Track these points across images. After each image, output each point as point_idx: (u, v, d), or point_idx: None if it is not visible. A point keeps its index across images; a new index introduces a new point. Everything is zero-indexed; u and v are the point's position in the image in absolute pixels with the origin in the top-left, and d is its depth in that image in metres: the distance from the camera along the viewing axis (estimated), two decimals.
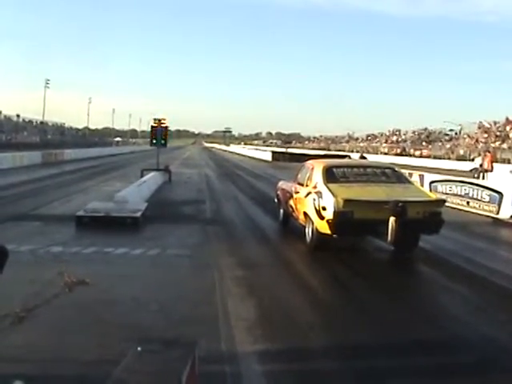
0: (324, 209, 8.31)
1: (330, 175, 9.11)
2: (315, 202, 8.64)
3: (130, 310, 6.06)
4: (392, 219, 7.63)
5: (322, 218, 8.32)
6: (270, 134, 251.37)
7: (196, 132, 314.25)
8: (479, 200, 16.66)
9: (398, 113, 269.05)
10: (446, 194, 18.76)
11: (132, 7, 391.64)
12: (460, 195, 17.84)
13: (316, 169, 9.59)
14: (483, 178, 24.99)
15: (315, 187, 8.99)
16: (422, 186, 20.27)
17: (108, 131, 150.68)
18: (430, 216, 8.14)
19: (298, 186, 10.29)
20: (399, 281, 7.91)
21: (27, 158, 36.78)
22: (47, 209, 14.69)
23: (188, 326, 5.59)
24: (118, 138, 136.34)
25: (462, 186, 17.98)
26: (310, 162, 10.50)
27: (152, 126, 24.91)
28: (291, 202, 10.52)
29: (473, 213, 16.49)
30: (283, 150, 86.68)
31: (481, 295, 7.18)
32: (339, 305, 6.57)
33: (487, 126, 63.15)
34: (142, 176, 22.58)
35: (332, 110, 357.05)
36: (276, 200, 12.89)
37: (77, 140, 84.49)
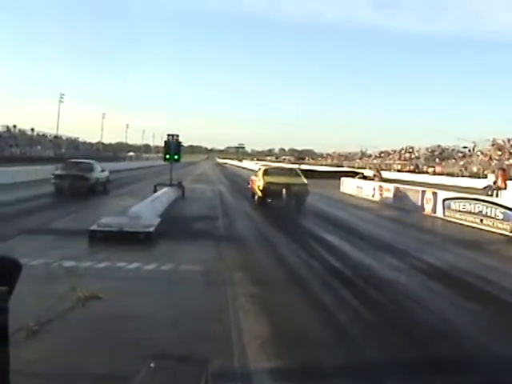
0: (259, 187, 18.87)
1: (265, 172, 20.27)
2: (258, 183, 19.38)
3: (143, 326, 6.03)
4: (284, 190, 17.90)
5: (259, 189, 19.08)
6: (283, 150, 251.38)
7: (209, 148, 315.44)
8: (493, 218, 16.60)
9: (411, 130, 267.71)
10: (460, 211, 18.69)
11: (146, 23, 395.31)
12: (474, 213, 17.78)
13: (261, 169, 21.32)
14: (497, 195, 24.80)
15: (259, 177, 19.50)
16: (436, 203, 20.42)
17: (121, 146, 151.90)
18: (302, 189, 18.44)
19: (254, 177, 21.41)
20: (410, 296, 7.86)
21: (41, 171, 36.88)
22: (60, 223, 14.75)
23: (201, 342, 5.56)
24: (132, 153, 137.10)
25: (475, 203, 17.88)
26: (260, 166, 20.71)
27: (165, 142, 25.02)
28: (252, 184, 21.29)
29: (486, 231, 16.40)
30: (296, 166, 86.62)
31: (494, 313, 7.15)
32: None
33: (501, 143, 62.85)
34: (155, 191, 22.65)
35: (345, 126, 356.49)
36: (248, 184, 24.08)
37: (90, 154, 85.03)
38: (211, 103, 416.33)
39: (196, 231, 14.16)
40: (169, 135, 24.88)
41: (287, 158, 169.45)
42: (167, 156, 24.80)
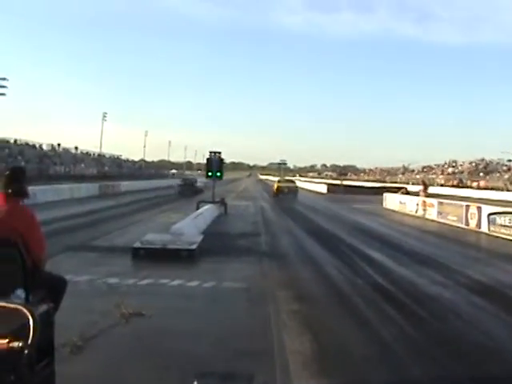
0: (274, 187, 42.75)
1: (277, 181, 45.37)
2: (274, 184, 44.04)
3: (186, 343, 5.98)
4: (285, 188, 41.48)
5: (274, 189, 42.08)
6: (325, 166, 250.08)
7: (251, 164, 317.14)
8: None
9: (454, 143, 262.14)
10: (505, 226, 18.13)
11: (187, 42, 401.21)
12: None
13: (276, 181, 48.03)
14: None
15: (275, 184, 44.03)
16: (480, 218, 19.92)
17: (163, 163, 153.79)
18: (294, 188, 42.63)
19: (273, 183, 47.87)
20: (455, 312, 7.65)
21: (85, 189, 37.61)
22: (104, 240, 14.94)
23: (244, 359, 5.48)
24: (174, 171, 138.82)
25: None
26: (273, 179, 67.23)
27: (207, 159, 25.27)
28: (272, 187, 44.71)
29: None
30: (338, 182, 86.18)
31: None
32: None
33: None
34: (197, 208, 22.82)
35: (387, 141, 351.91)
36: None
37: (133, 172, 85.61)
38: (253, 120, 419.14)
39: (238, 248, 14.13)
40: (211, 152, 25.11)
41: (329, 173, 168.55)
42: (209, 173, 25.04)
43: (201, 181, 47.10)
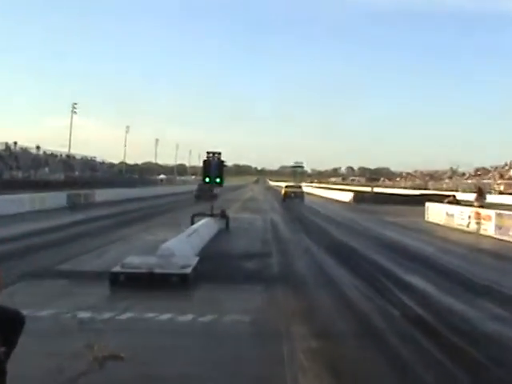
0: (282, 191, 61.94)
1: (285, 187, 62.53)
2: (282, 190, 63.35)
3: None
4: (292, 193, 56.78)
5: (283, 193, 58.98)
6: (352, 169, 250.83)
7: (259, 168, 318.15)
8: None
9: None
10: None
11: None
12: None
13: (284, 186, 66.79)
14: None
15: (283, 189, 62.00)
16: None
17: (150, 167, 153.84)
18: (301, 193, 56.93)
19: (279, 187, 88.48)
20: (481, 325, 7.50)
21: (50, 199, 37.50)
22: (74, 263, 14.93)
23: None
24: (163, 176, 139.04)
25: None
26: (278, 185, 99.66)
27: (205, 161, 25.35)
28: (280, 192, 63.27)
29: None
30: (368, 189, 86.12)
31: None
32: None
33: None
34: (192, 223, 22.94)
35: (430, 138, 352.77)
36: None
37: (111, 178, 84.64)
38: (261, 114, 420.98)
39: (243, 272, 14.13)
40: (209, 153, 25.18)
41: (356, 178, 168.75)
42: (207, 179, 25.09)
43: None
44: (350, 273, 14.24)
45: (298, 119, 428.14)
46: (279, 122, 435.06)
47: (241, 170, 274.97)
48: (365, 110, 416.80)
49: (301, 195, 56.96)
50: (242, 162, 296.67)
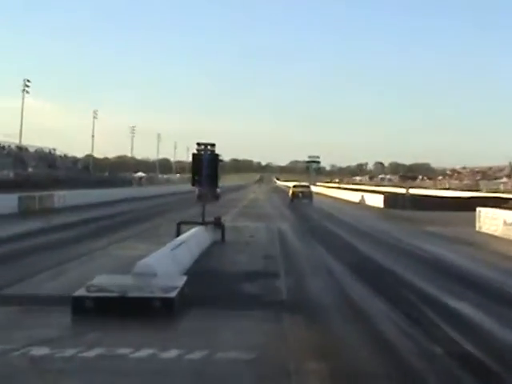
0: (289, 193, 72.00)
1: (292, 187, 75.23)
2: (289, 190, 76.56)
3: None
4: (300, 193, 68.59)
5: (291, 193, 70.76)
6: (381, 165, 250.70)
7: (263, 163, 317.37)
8: None
9: None
10: None
11: None
12: None
13: (291, 186, 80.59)
14: None
15: (290, 189, 75.07)
16: None
17: (124, 161, 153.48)
18: (309, 192, 69.19)
19: (288, 188, 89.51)
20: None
21: None
22: (28, 285, 14.91)
23: None
24: (141, 174, 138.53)
25: None
26: (287, 185, 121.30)
27: (194, 155, 25.45)
28: (289, 190, 78.74)
29: None
30: (403, 190, 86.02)
31: None
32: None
33: None
34: (178, 234, 23.15)
35: (482, 127, 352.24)
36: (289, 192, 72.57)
37: (75, 175, 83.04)
38: (265, 97, 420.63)
39: (243, 296, 14.17)
40: (199, 145, 25.27)
41: (387, 177, 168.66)
42: (196, 177, 25.13)
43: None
44: (379, 297, 14.23)
45: (312, 103, 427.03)
46: (289, 107, 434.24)
47: (240, 167, 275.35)
48: (396, 92, 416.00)
49: (309, 195, 68.68)
50: (241, 157, 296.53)
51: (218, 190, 60.04)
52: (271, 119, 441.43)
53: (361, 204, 67.82)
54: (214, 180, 25.28)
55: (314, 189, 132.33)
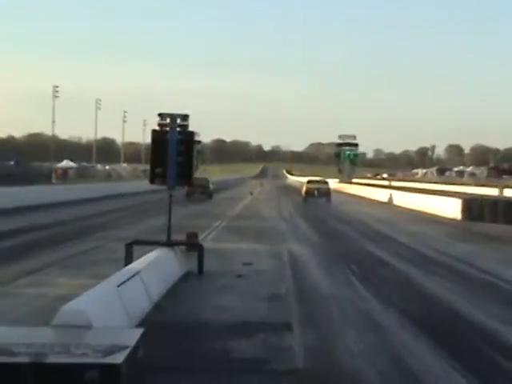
0: (303, 190, 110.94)
1: (307, 182, 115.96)
2: (303, 187, 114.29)
3: None
4: (316, 190, 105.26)
5: (304, 190, 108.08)
6: (458, 149, 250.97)
7: (266, 147, 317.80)
8: None
9: None
10: None
11: None
12: None
13: (306, 181, 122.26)
14: None
15: (304, 186, 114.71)
16: None
17: (43, 143, 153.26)
18: (326, 190, 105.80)
19: (302, 184, 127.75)
20: None
21: None
22: None
23: None
24: (68, 163, 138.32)
25: None
26: (302, 180, 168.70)
27: (154, 134, 25.66)
28: (301, 189, 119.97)
29: None
30: (493, 191, 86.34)
31: None
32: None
33: None
34: (129, 260, 23.40)
35: None
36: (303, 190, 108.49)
37: None
38: (271, 54, 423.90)
39: (233, 363, 14.21)
40: (163, 117, 25.34)
41: (468, 169, 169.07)
42: (158, 170, 25.11)
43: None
44: (455, 367, 14.23)
45: (345, 62, 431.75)
46: (308, 67, 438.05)
47: (230, 153, 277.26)
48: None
49: (327, 193, 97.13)
50: (232, 137, 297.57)
51: (211, 187, 79.87)
52: (278, 81, 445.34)
53: (421, 213, 67.23)
54: (186, 174, 25.30)
55: (349, 189, 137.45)
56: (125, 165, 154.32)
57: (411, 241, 40.89)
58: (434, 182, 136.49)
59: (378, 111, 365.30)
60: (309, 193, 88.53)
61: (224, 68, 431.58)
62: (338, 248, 36.16)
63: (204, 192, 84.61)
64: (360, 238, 42.13)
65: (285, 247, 34.65)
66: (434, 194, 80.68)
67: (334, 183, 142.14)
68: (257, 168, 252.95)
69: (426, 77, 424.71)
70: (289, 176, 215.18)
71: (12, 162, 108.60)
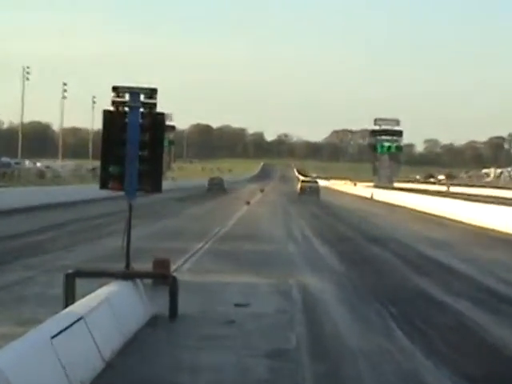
0: (298, 186, 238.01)
1: (301, 181, 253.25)
2: (298, 184, 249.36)
3: None
4: (308, 188, 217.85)
5: (299, 187, 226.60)
6: None
7: (269, 137, 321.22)
8: None
9: None
10: None
11: None
12: None
13: (301, 180, 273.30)
14: None
15: (299, 184, 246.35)
16: None
17: None
18: (316, 187, 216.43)
19: (298, 182, 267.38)
20: None
21: None
22: None
23: None
24: None
25: None
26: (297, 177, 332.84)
27: (107, 114, 25.60)
28: (297, 184, 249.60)
29: None
30: None
31: None
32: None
33: None
34: (69, 299, 23.30)
35: None
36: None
37: None
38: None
39: None
40: (119, 92, 25.30)
41: None
42: (112, 168, 25.06)
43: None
44: None
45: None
46: (332, 29, 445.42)
47: (219, 144, 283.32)
48: None
49: (316, 190, 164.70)
50: (222, 122, 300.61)
51: (225, 185, 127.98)
52: (288, 47, 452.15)
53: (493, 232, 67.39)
54: (153, 174, 25.28)
55: (389, 197, 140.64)
56: (65, 161, 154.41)
57: (479, 273, 40.78)
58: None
59: (430, 86, 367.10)
60: (303, 190, 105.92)
61: (213, 29, 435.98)
62: (371, 282, 36.25)
63: (218, 187, 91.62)
64: (397, 262, 42.05)
65: (295, 281, 34.74)
66: None
67: (365, 189, 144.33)
68: (256, 166, 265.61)
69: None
70: (302, 178, 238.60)
71: None
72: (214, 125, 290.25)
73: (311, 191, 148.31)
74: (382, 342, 23.54)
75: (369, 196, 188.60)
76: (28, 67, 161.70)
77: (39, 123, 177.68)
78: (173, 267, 27.25)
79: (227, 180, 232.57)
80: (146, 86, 25.20)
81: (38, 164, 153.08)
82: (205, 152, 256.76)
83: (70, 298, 22.92)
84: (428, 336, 24.30)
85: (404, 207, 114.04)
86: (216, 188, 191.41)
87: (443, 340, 23.90)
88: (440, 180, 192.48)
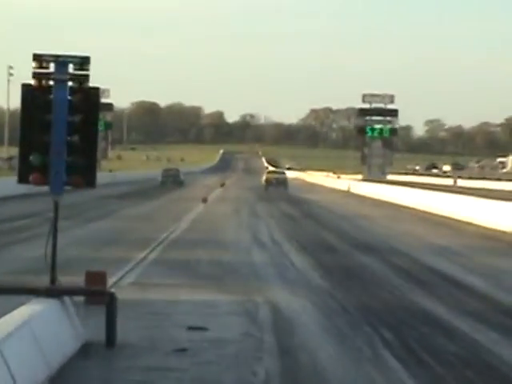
0: (263, 179, 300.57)
1: (267, 172, 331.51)
2: (263, 176, 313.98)
3: None
4: (274, 180, 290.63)
5: (265, 179, 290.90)
6: None
7: (230, 118, 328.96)
8: None
9: None
10: None
11: None
12: None
13: (266, 170, 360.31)
14: None
15: (264, 175, 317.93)
16: None
17: None
18: (283, 178, 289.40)
19: (265, 173, 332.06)
20: None
21: None
22: None
23: None
24: None
25: None
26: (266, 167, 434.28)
27: (26, 89, 25.40)
28: (263, 176, 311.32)
29: None
30: None
31: None
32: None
33: None
34: None
35: None
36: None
37: None
38: None
39: None
40: (42, 62, 25.11)
41: None
42: (33, 159, 24.93)
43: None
44: None
45: None
46: None
47: (168, 126, 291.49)
48: None
49: (284, 182, 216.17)
50: (171, 100, 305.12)
51: (182, 177, 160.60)
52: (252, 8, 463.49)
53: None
54: (84, 165, 25.19)
55: (382, 193, 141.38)
56: None
57: (489, 287, 40.84)
58: None
59: (431, 55, 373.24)
60: (268, 181, 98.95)
61: None
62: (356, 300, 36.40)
63: (173, 180, 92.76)
64: (390, 274, 42.28)
65: (263, 298, 34.78)
66: None
67: (350, 183, 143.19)
68: (214, 154, 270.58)
69: None
70: (270, 169, 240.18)
71: None
72: (162, 103, 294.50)
73: (278, 183, 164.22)
74: (375, 376, 23.46)
75: (347, 190, 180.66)
76: None
77: None
78: (110, 281, 27.09)
79: (171, 173, 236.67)
80: (76, 53, 25.10)
81: None
82: (150, 137, 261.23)
83: None
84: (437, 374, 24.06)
85: (407, 207, 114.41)
86: (171, 181, 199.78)
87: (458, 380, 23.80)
88: (445, 171, 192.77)
